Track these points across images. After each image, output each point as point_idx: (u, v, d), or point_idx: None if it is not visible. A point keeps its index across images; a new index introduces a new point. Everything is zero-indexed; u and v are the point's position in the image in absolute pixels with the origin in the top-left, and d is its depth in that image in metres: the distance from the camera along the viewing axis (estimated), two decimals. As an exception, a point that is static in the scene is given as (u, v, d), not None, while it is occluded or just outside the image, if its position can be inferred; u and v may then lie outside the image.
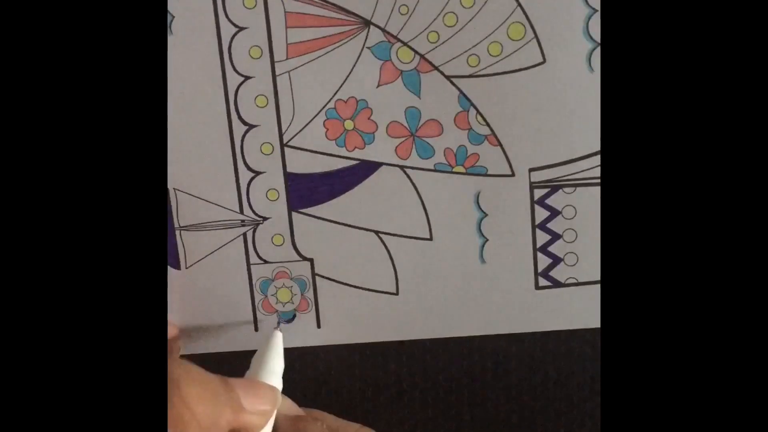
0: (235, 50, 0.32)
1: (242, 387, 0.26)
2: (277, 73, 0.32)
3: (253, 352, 0.32)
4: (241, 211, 0.33)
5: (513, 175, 0.32)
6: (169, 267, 0.34)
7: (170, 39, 0.32)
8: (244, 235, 0.34)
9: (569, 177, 0.32)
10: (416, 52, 0.32)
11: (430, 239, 0.33)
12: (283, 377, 0.31)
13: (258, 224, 0.34)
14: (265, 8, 0.31)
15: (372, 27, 0.31)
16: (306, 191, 0.33)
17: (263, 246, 0.34)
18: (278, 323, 0.34)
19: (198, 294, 0.34)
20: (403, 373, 0.35)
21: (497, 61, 0.31)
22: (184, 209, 0.33)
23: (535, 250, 0.33)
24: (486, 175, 0.33)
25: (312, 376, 0.35)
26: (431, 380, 0.35)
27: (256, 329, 0.34)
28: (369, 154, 0.33)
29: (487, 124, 0.32)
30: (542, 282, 0.33)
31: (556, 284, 0.33)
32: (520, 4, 0.31)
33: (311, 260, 0.34)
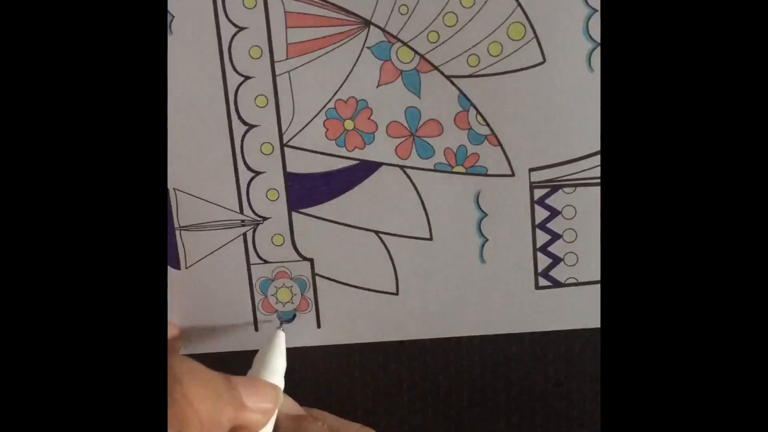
0: (235, 50, 0.32)
1: (244, 385, 0.26)
2: (277, 73, 0.32)
3: (254, 352, 0.32)
4: (241, 211, 0.33)
5: (513, 175, 0.32)
6: (169, 267, 0.34)
7: (170, 39, 0.32)
8: (244, 235, 0.34)
9: (569, 177, 0.32)
10: (416, 52, 0.32)
11: (430, 239, 0.33)
12: (284, 377, 0.31)
13: (258, 224, 0.34)
14: (265, 8, 0.31)
15: (372, 27, 0.31)
16: (306, 191, 0.33)
17: (263, 246, 0.34)
18: (280, 323, 0.34)
19: (198, 294, 0.34)
20: (403, 373, 0.35)
21: (497, 61, 0.31)
22: (184, 209, 0.33)
23: (535, 250, 0.33)
24: (486, 175, 0.33)
25: (312, 376, 0.35)
26: (431, 380, 0.35)
27: (256, 329, 0.34)
28: (369, 154, 0.33)
29: (487, 124, 0.32)
30: (542, 282, 0.33)
31: (556, 284, 0.33)
32: (520, 4, 0.31)
33: (311, 260, 0.34)
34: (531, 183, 0.33)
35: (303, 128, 0.33)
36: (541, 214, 0.33)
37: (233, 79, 0.32)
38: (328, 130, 0.33)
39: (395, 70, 0.32)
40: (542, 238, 0.33)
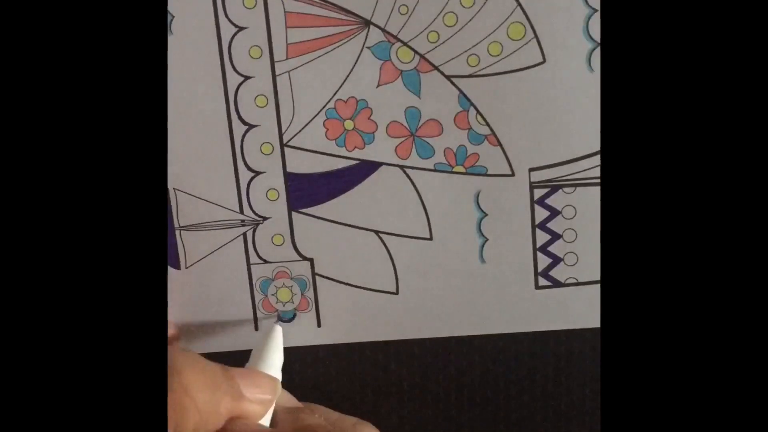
0: (235, 50, 0.32)
1: (243, 376, 0.26)
2: (277, 73, 0.32)
3: (254, 352, 0.32)
4: (241, 211, 0.33)
5: (513, 175, 0.32)
6: (169, 267, 0.34)
7: (170, 39, 0.32)
8: (244, 235, 0.34)
9: (569, 177, 0.32)
10: (416, 52, 0.32)
11: (430, 239, 0.33)
12: (284, 376, 0.31)
13: (258, 224, 0.34)
14: (265, 8, 0.31)
15: (372, 27, 0.31)
16: (306, 191, 0.33)
17: (263, 246, 0.34)
18: (278, 318, 0.34)
19: (198, 294, 0.34)
20: (403, 373, 0.35)
21: (497, 61, 0.31)
22: (184, 209, 0.33)
23: (535, 250, 0.33)
24: (486, 175, 0.33)
25: (312, 376, 0.35)
26: (431, 380, 0.35)
27: (257, 329, 0.34)
28: (369, 154, 0.33)
29: (487, 124, 0.32)
30: (542, 282, 0.33)
31: (556, 284, 0.33)
32: (520, 4, 0.31)
33: (311, 260, 0.34)
34: (531, 183, 0.33)
35: (303, 128, 0.33)
36: (541, 214, 0.33)
37: (233, 79, 0.32)
38: (328, 130, 0.33)
39: (395, 70, 0.32)
40: (542, 238, 0.33)
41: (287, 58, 0.32)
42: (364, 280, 0.34)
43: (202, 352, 0.34)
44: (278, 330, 0.32)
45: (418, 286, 0.34)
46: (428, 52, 0.32)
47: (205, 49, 0.32)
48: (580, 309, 0.34)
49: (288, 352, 0.32)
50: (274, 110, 0.32)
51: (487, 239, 0.33)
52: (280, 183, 0.33)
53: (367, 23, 0.31)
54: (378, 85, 0.32)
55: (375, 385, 0.35)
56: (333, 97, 0.32)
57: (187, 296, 0.34)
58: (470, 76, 0.32)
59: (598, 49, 0.31)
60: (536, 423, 0.35)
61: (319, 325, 0.34)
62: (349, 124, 0.32)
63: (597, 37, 0.31)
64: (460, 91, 0.32)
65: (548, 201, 0.33)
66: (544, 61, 0.31)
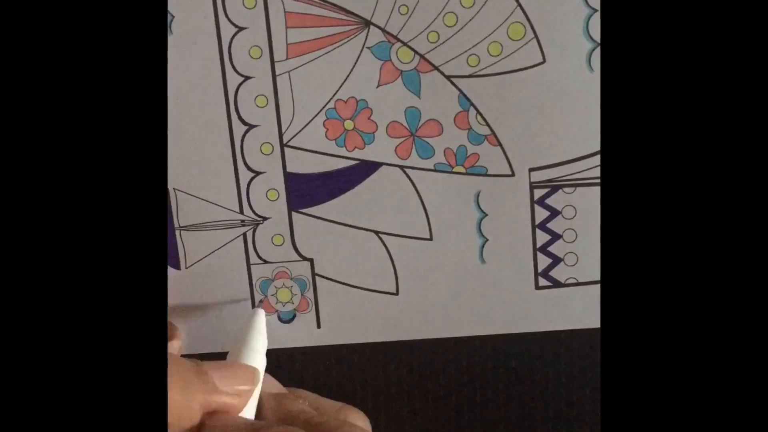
0: (235, 50, 0.32)
1: (217, 369, 0.26)
2: (277, 73, 0.32)
3: (254, 351, 0.32)
4: (241, 211, 0.33)
5: (513, 175, 0.32)
6: (169, 267, 0.34)
7: (170, 39, 0.32)
8: (244, 235, 0.34)
9: (569, 177, 0.32)
10: (416, 52, 0.32)
11: (430, 239, 0.33)
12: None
13: (258, 224, 0.34)
14: (265, 8, 0.31)
15: (372, 27, 0.31)
16: (306, 191, 0.33)
17: (263, 246, 0.34)
18: (259, 302, 0.34)
19: (198, 294, 0.34)
20: (403, 373, 0.35)
21: (497, 61, 0.31)
22: (184, 209, 0.33)
23: (535, 250, 0.33)
24: (486, 175, 0.33)
25: (312, 376, 0.35)
26: (431, 380, 0.35)
27: (256, 329, 0.34)
28: (369, 154, 0.33)
29: (487, 124, 0.32)
30: (542, 282, 0.33)
31: (556, 284, 0.33)
32: (520, 4, 0.31)
33: (311, 260, 0.34)
34: (531, 183, 0.33)
35: (303, 128, 0.33)
36: (541, 214, 0.33)
37: (233, 79, 0.32)
38: (328, 130, 0.33)
39: (395, 70, 0.32)
40: (542, 238, 0.33)
41: (287, 58, 0.32)
42: (364, 280, 0.34)
43: (202, 352, 0.34)
44: (260, 313, 0.32)
45: (418, 287, 0.34)
46: (428, 52, 0.32)
47: (205, 49, 0.32)
48: (580, 309, 0.34)
49: (288, 352, 0.32)
50: (274, 110, 0.32)
51: (487, 239, 0.33)
52: (280, 183, 0.33)
53: (367, 23, 0.31)
54: (378, 85, 0.32)
55: (375, 385, 0.35)
56: (333, 97, 0.32)
57: (187, 296, 0.34)
58: (470, 76, 0.32)
59: (598, 49, 0.31)
60: (536, 423, 0.35)
61: (318, 325, 0.34)
62: (349, 124, 0.32)
63: (597, 37, 0.31)
64: (460, 91, 0.32)
65: (548, 201, 0.33)
66: (544, 61, 0.31)
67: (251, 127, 0.33)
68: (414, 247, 0.33)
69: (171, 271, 0.34)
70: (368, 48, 0.32)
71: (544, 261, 0.33)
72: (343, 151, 0.33)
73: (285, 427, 0.25)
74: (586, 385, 0.34)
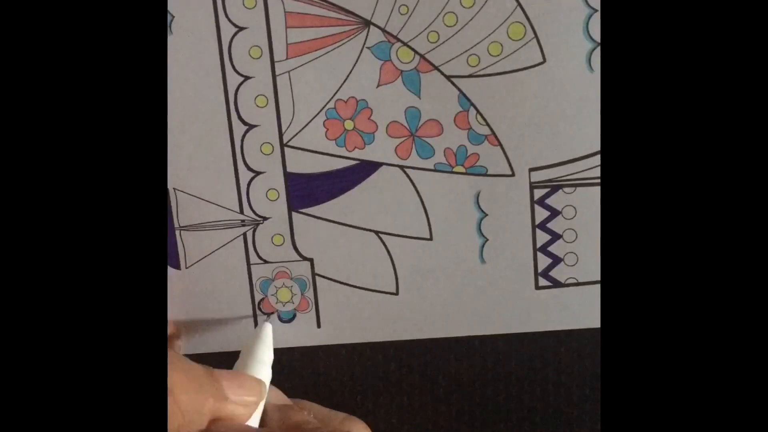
0: (235, 50, 0.32)
1: (227, 378, 0.26)
2: (277, 73, 0.32)
3: (254, 352, 0.32)
4: (241, 211, 0.33)
5: (513, 175, 0.32)
6: (169, 267, 0.34)
7: (170, 39, 0.32)
8: (244, 235, 0.34)
9: (569, 177, 0.32)
10: (416, 52, 0.32)
11: (430, 239, 0.33)
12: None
13: (258, 224, 0.34)
14: (265, 8, 0.31)
15: (372, 27, 0.31)
16: (306, 191, 0.33)
17: (263, 246, 0.34)
18: (267, 315, 0.34)
19: (198, 294, 0.34)
20: (403, 373, 0.35)
21: (497, 61, 0.31)
22: (184, 209, 0.33)
23: (535, 250, 0.33)
24: (486, 175, 0.33)
25: (312, 376, 0.35)
26: (431, 380, 0.35)
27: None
28: (369, 154, 0.33)
29: (487, 124, 0.32)
30: (542, 282, 0.33)
31: (556, 284, 0.33)
32: (520, 4, 0.31)
33: (311, 260, 0.34)
34: (531, 183, 0.33)
35: (303, 128, 0.33)
36: (541, 214, 0.33)
37: (233, 79, 0.32)
38: (328, 130, 0.33)
39: (395, 70, 0.32)
40: (542, 238, 0.33)
41: (287, 58, 0.32)
42: (364, 280, 0.34)
43: (202, 352, 0.34)
44: (268, 327, 0.32)
45: (418, 287, 0.34)
46: (428, 52, 0.32)
47: (205, 49, 0.32)
48: (580, 309, 0.34)
49: (288, 352, 0.32)
50: (274, 110, 0.32)
51: (487, 239, 0.33)
52: (280, 183, 0.33)
53: (367, 23, 0.31)
54: (378, 85, 0.32)
55: (375, 385, 0.35)
56: (333, 97, 0.32)
57: (187, 296, 0.34)
58: (470, 76, 0.32)
59: (598, 49, 0.31)
60: (536, 423, 0.35)
61: (318, 325, 0.34)
62: (349, 124, 0.32)
63: (597, 37, 0.31)
64: (460, 91, 0.32)
65: (548, 201, 0.33)
66: (544, 61, 0.31)
67: (251, 127, 0.33)
68: (414, 247, 0.33)
69: (171, 271, 0.34)
70: (368, 48, 0.32)
71: (544, 261, 0.33)
72: (343, 151, 0.33)
73: None
74: (586, 385, 0.34)
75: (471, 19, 0.31)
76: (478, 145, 0.32)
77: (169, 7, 0.31)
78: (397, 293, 0.34)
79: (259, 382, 0.28)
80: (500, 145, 0.32)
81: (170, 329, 0.34)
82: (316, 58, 0.32)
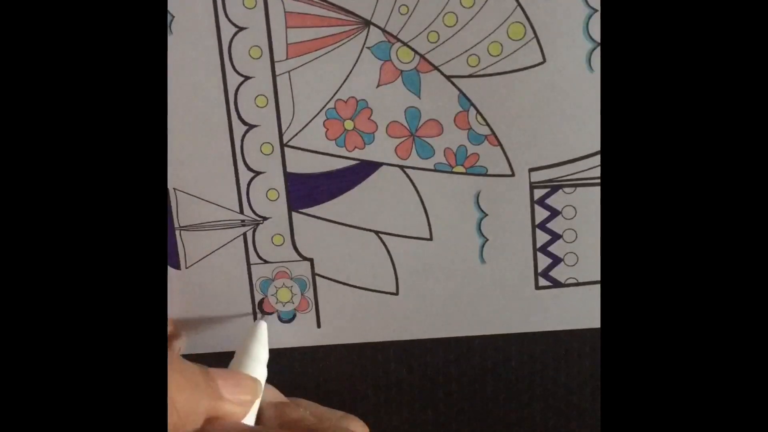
0: (235, 50, 0.32)
1: (222, 377, 0.27)
2: (277, 73, 0.32)
3: (254, 352, 0.32)
4: (241, 211, 0.33)
5: (513, 175, 0.32)
6: (169, 267, 0.34)
7: (170, 39, 0.32)
8: (244, 235, 0.34)
9: (569, 177, 0.32)
10: (416, 52, 0.32)
11: (430, 239, 0.33)
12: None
13: (258, 224, 0.34)
14: (265, 8, 0.31)
15: (372, 27, 0.31)
16: (306, 191, 0.33)
17: (263, 246, 0.34)
18: (262, 314, 0.34)
19: (198, 294, 0.34)
20: (403, 373, 0.35)
21: (497, 61, 0.31)
22: (184, 209, 0.33)
23: (535, 250, 0.33)
24: (486, 175, 0.33)
25: (312, 376, 0.35)
26: (431, 380, 0.35)
27: (256, 329, 0.34)
28: (369, 154, 0.33)
29: (487, 124, 0.32)
30: (542, 282, 0.33)
31: (556, 284, 0.33)
32: (520, 4, 0.31)
33: (311, 260, 0.34)
34: (531, 183, 0.33)
35: (303, 128, 0.33)
36: (541, 214, 0.33)
37: (233, 79, 0.32)
38: (328, 130, 0.33)
39: (395, 70, 0.32)
40: (542, 238, 0.33)
41: (287, 58, 0.32)
42: (364, 280, 0.34)
43: (202, 352, 0.34)
44: (263, 325, 0.32)
45: (418, 287, 0.34)
46: (428, 52, 0.32)
47: (205, 49, 0.32)
48: (580, 309, 0.34)
49: (288, 352, 0.32)
50: (274, 110, 0.32)
51: (487, 239, 0.33)
52: (280, 183, 0.33)
53: (367, 23, 0.31)
54: (378, 85, 0.32)
55: (375, 385, 0.35)
56: (333, 97, 0.32)
57: (187, 296, 0.34)
58: (470, 76, 0.32)
59: (598, 49, 0.31)
60: (536, 423, 0.35)
61: (318, 325, 0.34)
62: (349, 124, 0.32)
63: (597, 37, 0.31)
64: (460, 91, 0.32)
65: (548, 201, 0.33)
66: (544, 61, 0.31)
67: (251, 127, 0.33)
68: (414, 247, 0.33)
69: (171, 271, 0.34)
70: (368, 48, 0.32)
71: (544, 261, 0.33)
72: (343, 151, 0.33)
73: None
74: (586, 385, 0.34)
75: (471, 19, 0.31)
76: (478, 145, 0.32)
77: (169, 7, 0.31)
78: (397, 293, 0.34)
79: (255, 380, 0.28)
80: (500, 145, 0.32)
81: (170, 329, 0.34)
82: (316, 58, 0.32)
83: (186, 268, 0.34)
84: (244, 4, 0.31)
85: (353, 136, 0.33)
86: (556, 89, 0.31)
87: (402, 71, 0.32)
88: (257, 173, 0.33)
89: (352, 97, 0.32)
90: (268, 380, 0.30)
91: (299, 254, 0.34)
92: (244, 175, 0.33)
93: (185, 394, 0.24)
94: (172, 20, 0.31)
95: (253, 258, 0.34)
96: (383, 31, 0.31)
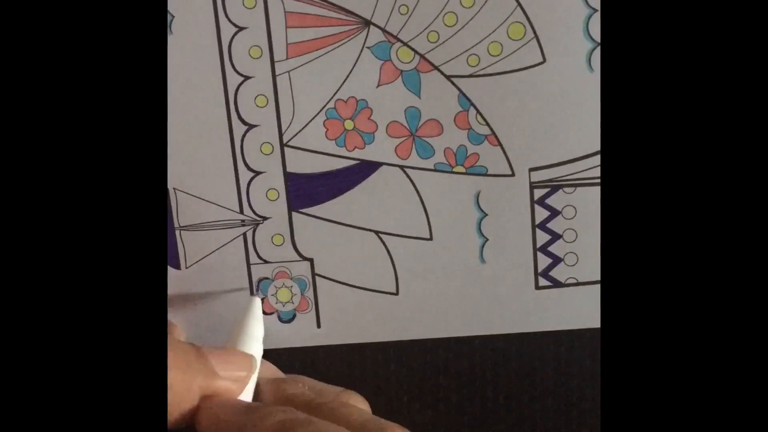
0: (235, 50, 0.32)
1: (216, 354, 0.27)
2: (277, 73, 0.32)
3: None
4: (241, 211, 0.33)
5: (513, 175, 0.32)
6: (169, 267, 0.34)
7: (170, 39, 0.32)
8: (244, 235, 0.34)
9: (569, 177, 0.32)
10: (416, 52, 0.32)
11: (430, 239, 0.33)
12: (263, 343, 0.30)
13: (258, 224, 0.34)
14: (265, 8, 0.31)
15: (372, 27, 0.31)
16: (306, 191, 0.33)
17: (263, 246, 0.34)
18: (256, 290, 0.34)
19: (198, 294, 0.34)
20: (403, 373, 0.35)
21: (497, 61, 0.31)
22: (184, 209, 0.33)
23: (535, 250, 0.33)
24: (486, 175, 0.33)
25: (312, 376, 0.35)
26: (431, 380, 0.35)
27: (256, 329, 0.34)
28: (369, 154, 0.33)
29: (487, 124, 0.32)
30: (542, 282, 0.33)
31: (556, 284, 0.33)
32: (520, 4, 0.31)
33: (311, 260, 0.34)
34: (531, 183, 0.33)
35: (303, 128, 0.33)
36: (541, 214, 0.33)
37: (233, 79, 0.32)
38: (328, 130, 0.33)
39: (395, 70, 0.32)
40: (542, 238, 0.33)
41: (287, 58, 0.32)
42: (364, 280, 0.34)
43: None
44: (257, 301, 0.32)
45: (418, 287, 0.34)
46: (428, 52, 0.32)
47: (205, 49, 0.32)
48: (580, 309, 0.34)
49: (288, 352, 0.32)
50: (274, 110, 0.32)
51: (487, 239, 0.33)
52: (280, 183, 0.33)
53: (367, 23, 0.31)
54: (378, 85, 0.32)
55: (375, 385, 0.35)
56: (333, 97, 0.32)
57: (187, 296, 0.34)
58: (470, 76, 0.32)
59: (598, 49, 0.31)
60: (536, 423, 0.35)
61: (318, 325, 0.34)
62: (349, 124, 0.32)
63: (597, 37, 0.31)
64: (460, 91, 0.32)
65: (548, 201, 0.33)
66: (544, 61, 0.31)
67: (251, 127, 0.33)
68: (414, 247, 0.33)
69: (171, 271, 0.34)
70: (368, 48, 0.32)
71: (544, 261, 0.33)
72: (343, 151, 0.33)
73: (280, 408, 0.25)
74: (586, 385, 0.34)
75: (471, 19, 0.31)
76: (478, 145, 0.32)
77: (169, 7, 0.31)
78: (397, 293, 0.34)
79: (249, 356, 0.28)
80: (500, 145, 0.32)
81: (170, 329, 0.34)
82: (316, 58, 0.32)
83: (186, 268, 0.34)
84: (244, 4, 0.31)
85: (353, 136, 0.33)
86: (556, 89, 0.31)
87: (402, 71, 0.32)
88: (257, 173, 0.33)
89: (352, 97, 0.32)
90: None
91: (299, 254, 0.34)
92: (244, 175, 0.33)
93: (179, 373, 0.24)
94: (172, 20, 0.31)
95: (253, 258, 0.34)
96: (383, 31, 0.31)
